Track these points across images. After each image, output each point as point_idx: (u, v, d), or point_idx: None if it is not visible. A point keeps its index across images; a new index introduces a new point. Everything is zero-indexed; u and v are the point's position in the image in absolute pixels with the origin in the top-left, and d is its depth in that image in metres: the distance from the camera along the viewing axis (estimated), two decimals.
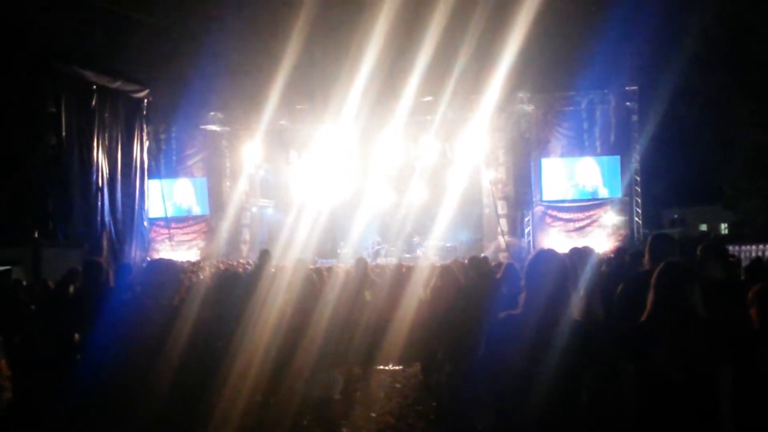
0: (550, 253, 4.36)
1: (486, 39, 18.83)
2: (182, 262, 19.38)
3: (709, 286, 5.25)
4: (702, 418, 4.11)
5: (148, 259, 21.11)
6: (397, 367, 11.01)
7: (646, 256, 5.98)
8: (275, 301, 6.62)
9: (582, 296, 5.75)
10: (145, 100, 22.78)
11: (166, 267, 5.40)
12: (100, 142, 20.45)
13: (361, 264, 10.81)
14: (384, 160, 25.94)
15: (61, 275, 9.64)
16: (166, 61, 21.03)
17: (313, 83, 22.74)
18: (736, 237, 24.07)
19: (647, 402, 4.22)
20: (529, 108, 24.70)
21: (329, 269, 12.50)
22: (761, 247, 19.59)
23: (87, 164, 19.88)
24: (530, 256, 4.36)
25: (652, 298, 4.38)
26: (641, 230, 23.98)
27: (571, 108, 24.64)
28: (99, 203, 20.19)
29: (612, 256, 11.57)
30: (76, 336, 6.81)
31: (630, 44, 19.70)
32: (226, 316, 6.27)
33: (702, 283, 4.49)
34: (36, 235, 17.74)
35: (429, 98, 23.37)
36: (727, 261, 6.45)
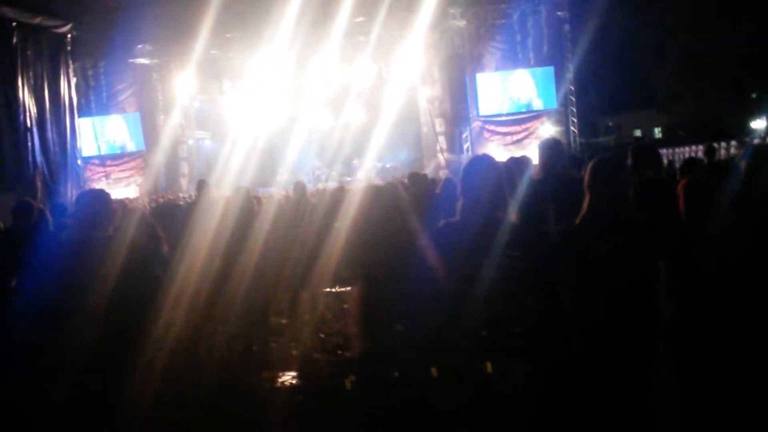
0: (484, 159, 4.36)
1: None
2: (122, 198, 19.13)
3: (640, 184, 5.33)
4: (641, 315, 4.18)
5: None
6: (343, 288, 11.07)
7: (538, 165, 6.07)
8: (213, 229, 6.56)
9: (520, 203, 5.79)
10: (69, 35, 22.13)
11: (97, 197, 5.28)
12: (25, 81, 19.87)
13: (300, 187, 10.77)
14: (319, 84, 25.74)
15: None
16: None
17: (245, 10, 22.31)
18: (670, 140, 24.44)
19: (588, 302, 4.27)
20: (462, 23, 24.58)
21: (269, 195, 12.45)
22: (694, 147, 19.93)
23: (13, 105, 19.35)
24: (465, 163, 4.35)
25: (587, 199, 4.39)
26: (578, 139, 24.24)
27: (504, 21, 24.56)
28: (29, 144, 19.72)
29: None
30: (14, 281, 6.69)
31: None
32: (162, 244, 6.19)
33: (633, 182, 4.55)
34: None
35: (361, 18, 23.08)
36: (657, 161, 6.55)
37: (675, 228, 4.53)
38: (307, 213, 9.59)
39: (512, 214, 4.20)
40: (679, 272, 4.33)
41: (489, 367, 4.06)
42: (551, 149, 6.12)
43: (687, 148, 20.44)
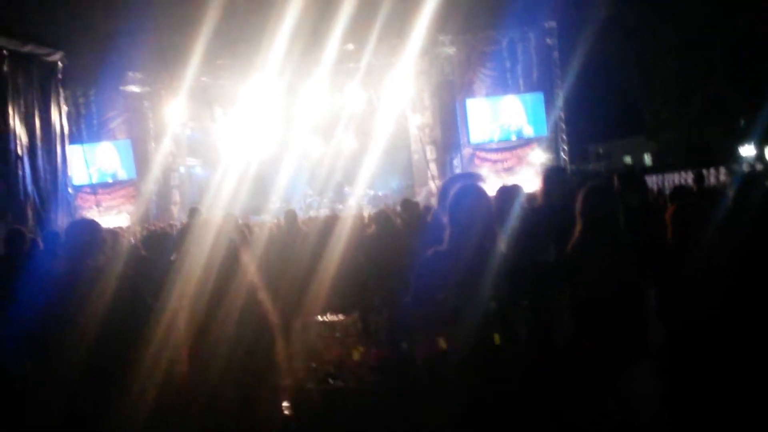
0: (471, 188, 4.37)
1: None
2: (113, 227, 19.10)
3: (629, 212, 5.36)
4: (632, 337, 4.20)
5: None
6: (335, 317, 11.06)
7: (540, 192, 6.09)
8: (203, 257, 6.55)
9: (510, 232, 5.79)
10: (60, 63, 22.15)
11: (87, 227, 5.28)
12: (16, 109, 19.85)
13: (291, 216, 10.78)
14: (310, 111, 25.83)
15: None
16: (80, 21, 20.45)
17: (235, 37, 22.39)
18: (659, 167, 24.53)
19: (580, 324, 4.29)
20: (452, 50, 24.73)
21: (260, 223, 12.45)
22: (683, 174, 20.01)
23: (3, 133, 19.31)
24: (452, 192, 4.35)
25: (579, 225, 4.42)
26: (568, 166, 24.32)
27: (493, 47, 24.73)
28: (20, 172, 19.67)
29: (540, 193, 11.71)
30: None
31: None
32: (154, 273, 6.18)
33: (621, 209, 4.58)
34: None
35: (352, 46, 23.21)
36: (642, 188, 6.60)
37: (663, 253, 4.55)
38: (298, 241, 9.59)
39: (501, 243, 4.20)
40: (667, 296, 4.36)
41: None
42: (554, 176, 6.15)
43: (676, 175, 20.51)
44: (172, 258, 6.79)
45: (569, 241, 4.50)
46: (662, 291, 4.30)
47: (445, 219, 4.31)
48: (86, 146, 25.69)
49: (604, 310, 4.22)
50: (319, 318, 10.62)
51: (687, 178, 18.78)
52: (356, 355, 8.97)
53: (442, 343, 4.24)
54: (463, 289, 4.02)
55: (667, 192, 11.88)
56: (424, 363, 4.55)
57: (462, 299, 4.02)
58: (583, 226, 4.37)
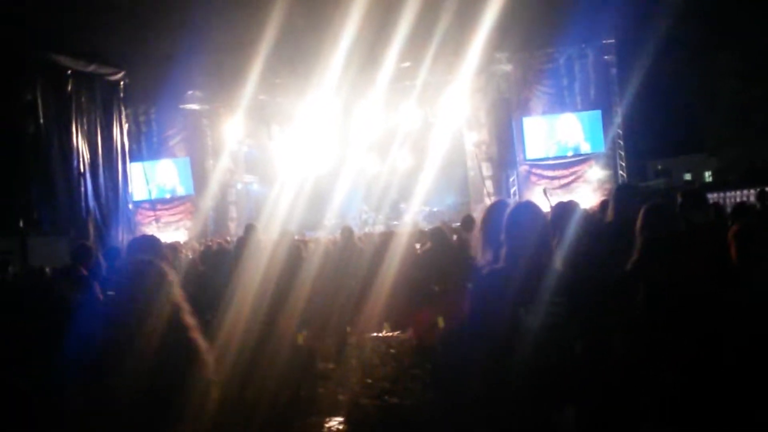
0: (527, 206, 4.35)
1: (464, 1, 18.77)
2: (172, 242, 19.34)
3: (691, 229, 5.29)
4: (693, 351, 4.14)
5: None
6: (391, 333, 11.04)
7: (610, 208, 6.03)
8: (260, 273, 6.61)
9: (568, 249, 5.75)
10: (122, 82, 22.59)
11: (148, 243, 5.36)
12: (79, 127, 20.29)
13: (347, 232, 10.81)
14: (366, 128, 25.94)
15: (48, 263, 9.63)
16: (142, 42, 20.84)
17: (293, 56, 22.62)
18: (720, 184, 24.15)
19: (634, 346, 4.24)
20: (508, 68, 24.67)
21: (315, 239, 12.50)
22: (744, 192, 19.65)
23: (67, 150, 19.74)
24: (508, 210, 4.34)
25: (639, 243, 4.38)
26: (625, 181, 24.05)
27: (550, 65, 24.61)
28: (82, 189, 20.08)
29: (597, 210, 11.62)
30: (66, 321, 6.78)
31: None
32: (212, 289, 6.26)
33: (683, 226, 4.52)
34: (21, 225, 17.65)
35: (408, 64, 23.27)
36: (706, 206, 6.50)
37: (726, 272, 4.48)
38: (354, 257, 9.61)
39: (557, 261, 4.18)
40: (730, 316, 4.29)
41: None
42: (624, 194, 6.10)
43: (738, 193, 20.15)
44: (229, 273, 6.87)
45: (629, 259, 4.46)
46: (725, 311, 4.23)
47: (501, 237, 4.28)
48: (146, 163, 26.11)
49: (661, 331, 4.18)
50: (375, 334, 10.62)
51: (749, 196, 18.45)
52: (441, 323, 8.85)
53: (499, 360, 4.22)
54: (519, 307, 4.00)
55: (729, 210, 11.67)
56: (479, 378, 4.52)
57: (518, 318, 4.00)
58: (643, 245, 4.33)
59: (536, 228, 4.15)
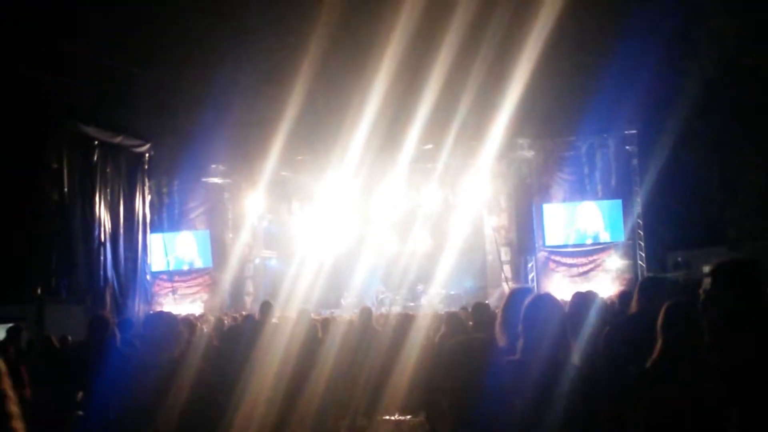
0: (546, 298, 4.34)
1: (486, 86, 18.98)
2: (186, 315, 19.32)
3: (713, 327, 5.20)
4: None
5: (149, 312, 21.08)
6: (402, 417, 10.89)
7: (635, 300, 5.97)
8: (277, 353, 6.58)
9: (586, 342, 5.70)
10: (147, 155, 22.88)
11: (165, 320, 5.38)
12: (102, 197, 20.51)
13: (366, 313, 10.76)
14: (386, 209, 26.04)
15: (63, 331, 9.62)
16: (168, 115, 21.19)
17: (315, 133, 22.86)
18: None
19: None
20: (530, 154, 24.81)
21: (332, 319, 12.44)
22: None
23: (89, 219, 19.92)
24: (526, 301, 4.33)
25: (659, 342, 4.33)
26: (645, 274, 23.88)
27: (572, 153, 24.74)
28: (102, 258, 20.19)
29: (616, 300, 11.54)
30: (80, 394, 6.77)
31: (629, 88, 19.81)
32: (228, 368, 6.23)
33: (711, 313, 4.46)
34: (39, 291, 17.72)
35: (430, 146, 23.47)
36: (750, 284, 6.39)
37: (750, 377, 4.39)
38: (372, 340, 9.55)
39: (575, 356, 4.15)
40: (756, 420, 4.20)
41: None
42: (651, 287, 6.05)
43: None
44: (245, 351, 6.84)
45: (650, 358, 4.41)
46: (749, 416, 4.14)
47: (519, 328, 4.26)
48: (166, 234, 26.26)
49: None
50: (386, 417, 10.49)
51: None
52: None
53: None
54: (535, 401, 3.97)
55: None
56: None
57: (534, 411, 3.96)
58: (664, 343, 4.29)
59: (554, 322, 4.13)
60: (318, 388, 6.15)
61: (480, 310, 9.99)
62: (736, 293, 5.19)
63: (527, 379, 4.00)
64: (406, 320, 10.29)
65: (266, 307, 9.88)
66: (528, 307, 4.25)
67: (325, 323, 10.66)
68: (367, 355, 9.04)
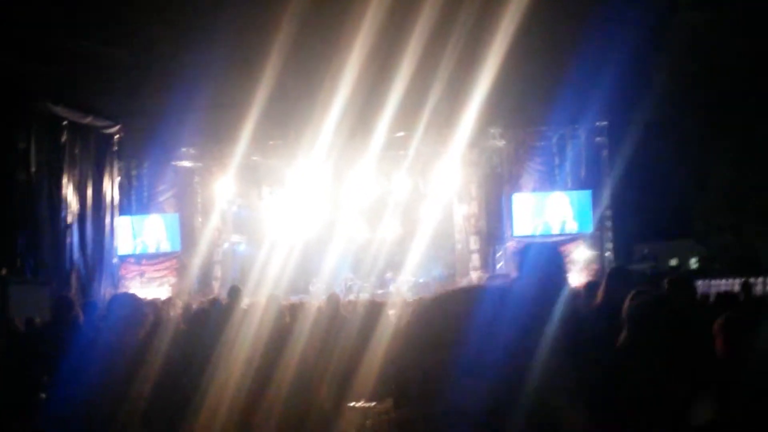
0: (546, 244, 4.38)
1: (458, 74, 18.99)
2: (153, 298, 19.21)
3: (676, 317, 5.25)
4: None
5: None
6: (368, 404, 10.89)
7: (602, 290, 6.01)
8: (246, 339, 6.55)
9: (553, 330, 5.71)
10: (117, 136, 22.66)
11: (129, 301, 5.32)
12: (70, 178, 20.30)
13: (333, 300, 10.75)
14: (357, 195, 26.01)
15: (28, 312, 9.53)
16: (138, 97, 21.00)
17: (286, 119, 22.78)
18: (706, 271, 24.20)
19: None
20: (501, 143, 24.87)
21: (300, 305, 12.41)
22: (730, 281, 19.72)
23: (56, 200, 19.71)
24: (523, 245, 4.37)
25: (626, 330, 4.36)
26: (612, 265, 24.06)
27: (543, 143, 24.83)
28: (68, 240, 20.00)
29: (583, 290, 11.62)
30: (45, 377, 6.70)
31: (600, 79, 19.89)
32: (196, 353, 6.19)
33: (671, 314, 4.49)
34: (3, 272, 17.51)
35: (401, 133, 23.46)
36: (693, 294, 6.50)
37: (711, 367, 4.45)
38: (341, 327, 9.53)
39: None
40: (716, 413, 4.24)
41: None
42: (618, 277, 6.08)
43: (723, 281, 20.21)
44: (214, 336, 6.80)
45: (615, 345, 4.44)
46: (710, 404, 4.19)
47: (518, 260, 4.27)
48: (134, 217, 26.07)
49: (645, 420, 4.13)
50: (354, 404, 10.48)
51: (734, 284, 18.50)
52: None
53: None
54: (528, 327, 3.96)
55: (712, 298, 11.71)
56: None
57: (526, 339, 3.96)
58: (629, 331, 4.32)
59: (548, 255, 4.15)
60: (287, 374, 6.12)
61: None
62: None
63: (526, 306, 3.97)
64: (374, 307, 10.30)
65: (234, 291, 9.85)
66: (526, 248, 4.27)
67: (294, 309, 10.64)
68: (336, 343, 9.03)
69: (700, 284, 20.76)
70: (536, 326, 3.93)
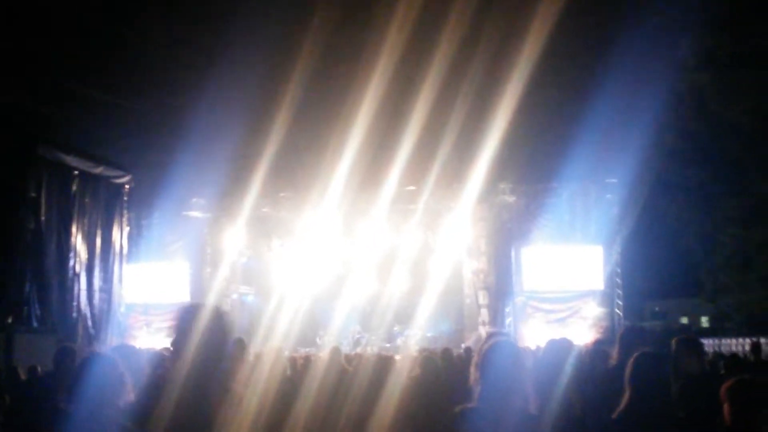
0: (503, 344, 4.30)
1: (468, 130, 19.03)
2: (161, 349, 19.10)
3: (685, 380, 5.18)
4: None
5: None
6: None
7: (615, 350, 5.93)
8: (255, 392, 6.48)
9: (560, 390, 5.65)
10: (127, 186, 22.81)
11: (105, 368, 4.95)
12: (80, 227, 20.41)
13: (335, 353, 10.65)
14: (366, 249, 25.97)
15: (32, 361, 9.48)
16: (149, 147, 21.14)
17: (296, 171, 22.86)
18: (717, 330, 24.06)
19: None
20: (511, 199, 24.86)
21: (306, 358, 12.33)
22: (741, 341, 19.59)
23: (65, 249, 19.79)
24: (485, 347, 4.29)
25: (627, 393, 4.30)
26: (622, 322, 23.89)
27: (553, 199, 24.80)
28: (76, 289, 20.04)
29: (591, 348, 11.54)
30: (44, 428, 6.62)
31: (610, 138, 19.95)
32: (199, 414, 6.09)
33: (678, 377, 4.43)
34: (9, 321, 17.51)
35: (411, 188, 23.50)
36: (701, 355, 6.40)
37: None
38: (350, 382, 9.43)
39: (532, 404, 4.10)
40: None
41: None
42: (632, 337, 6.01)
43: (734, 341, 20.10)
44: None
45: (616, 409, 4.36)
46: None
47: (476, 375, 4.23)
48: (143, 266, 26.07)
49: None
50: None
51: (744, 344, 18.37)
52: None
53: None
54: None
55: (722, 360, 11.60)
56: None
57: None
58: (631, 395, 4.25)
59: (512, 369, 4.07)
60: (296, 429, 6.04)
61: (448, 357, 9.95)
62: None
63: (482, 427, 3.96)
64: (382, 361, 10.22)
65: (238, 343, 9.77)
66: (486, 353, 4.21)
67: (300, 362, 10.56)
68: (345, 397, 8.93)
69: (712, 342, 20.64)
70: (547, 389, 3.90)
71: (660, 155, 21.01)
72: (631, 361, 4.38)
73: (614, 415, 4.23)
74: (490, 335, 5.16)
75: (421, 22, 14.29)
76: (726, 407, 4.40)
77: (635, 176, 22.60)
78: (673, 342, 6.24)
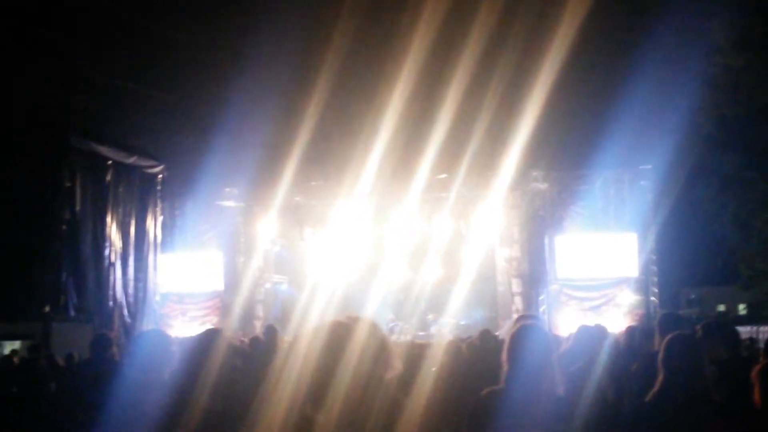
0: (531, 327, 4.29)
1: (500, 117, 18.97)
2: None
3: (721, 365, 5.12)
4: None
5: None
6: None
7: (656, 336, 5.89)
8: (291, 374, 6.49)
9: (592, 376, 5.63)
10: (160, 176, 22.97)
11: (155, 339, 5.29)
12: (114, 216, 20.61)
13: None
14: (398, 237, 25.94)
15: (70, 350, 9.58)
16: (182, 137, 21.29)
17: (328, 160, 22.90)
18: (754, 318, 23.75)
19: None
20: (544, 186, 24.67)
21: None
22: None
23: (100, 239, 20.00)
24: (513, 330, 4.29)
25: (660, 376, 4.26)
26: (658, 310, 23.66)
27: (586, 186, 24.56)
28: (111, 278, 20.25)
29: (624, 335, 11.45)
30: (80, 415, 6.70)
31: (645, 124, 19.76)
32: (234, 398, 6.11)
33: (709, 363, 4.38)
34: (47, 310, 17.72)
35: (443, 176, 23.42)
36: (729, 341, 6.32)
37: (750, 414, 4.32)
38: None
39: (560, 387, 4.08)
40: None
41: None
42: (672, 321, 5.97)
43: None
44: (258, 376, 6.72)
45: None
46: None
47: (504, 357, 4.23)
48: (177, 256, 26.23)
49: None
50: None
51: None
52: None
53: None
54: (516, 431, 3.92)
55: (761, 345, 11.45)
56: None
57: None
58: (664, 377, 4.20)
59: (539, 352, 4.07)
60: (332, 413, 6.04)
61: (487, 339, 9.90)
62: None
63: (509, 409, 3.96)
64: (414, 349, 10.20)
65: (270, 330, 9.82)
66: (513, 337, 4.22)
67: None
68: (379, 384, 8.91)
69: (749, 330, 20.39)
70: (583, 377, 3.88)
71: (695, 141, 20.78)
72: (664, 343, 4.34)
73: (648, 398, 4.20)
74: (518, 319, 5.17)
75: (454, 8, 14.24)
76: (756, 390, 4.35)
77: (670, 162, 22.39)
78: (698, 329, 6.19)
